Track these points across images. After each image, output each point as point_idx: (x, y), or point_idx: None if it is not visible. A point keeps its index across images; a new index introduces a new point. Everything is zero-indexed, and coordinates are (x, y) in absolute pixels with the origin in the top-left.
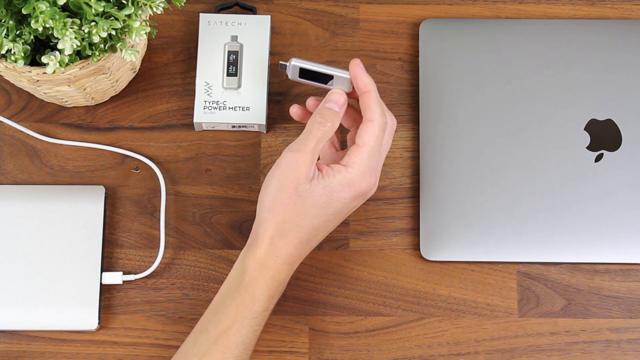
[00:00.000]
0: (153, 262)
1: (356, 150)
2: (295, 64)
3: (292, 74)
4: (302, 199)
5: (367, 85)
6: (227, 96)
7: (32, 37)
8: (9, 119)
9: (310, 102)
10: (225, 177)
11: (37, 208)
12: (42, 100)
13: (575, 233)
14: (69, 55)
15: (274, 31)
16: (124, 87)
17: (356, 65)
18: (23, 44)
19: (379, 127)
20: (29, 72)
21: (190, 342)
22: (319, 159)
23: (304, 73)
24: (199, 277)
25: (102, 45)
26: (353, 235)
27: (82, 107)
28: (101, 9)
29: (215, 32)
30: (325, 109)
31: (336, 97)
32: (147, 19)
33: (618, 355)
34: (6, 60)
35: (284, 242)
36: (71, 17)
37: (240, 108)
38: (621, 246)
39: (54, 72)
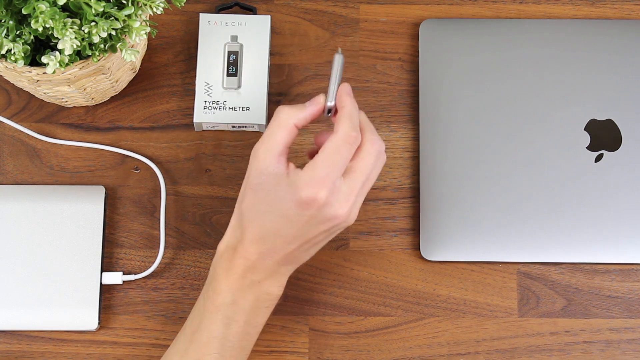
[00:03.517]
0: (153, 262)
1: (315, 156)
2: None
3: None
4: (252, 191)
5: (342, 102)
6: (227, 96)
7: (32, 37)
8: (9, 119)
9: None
10: (225, 177)
11: (37, 208)
12: (42, 100)
13: (575, 233)
14: (69, 55)
15: (274, 31)
16: (124, 87)
17: (342, 87)
18: (23, 44)
19: (339, 138)
20: (29, 72)
21: (173, 343)
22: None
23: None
24: (199, 277)
25: (102, 45)
26: (353, 235)
27: (82, 107)
28: (101, 9)
29: (215, 32)
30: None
31: (315, 97)
32: (147, 19)
33: (618, 355)
34: (6, 60)
35: (242, 235)
36: (71, 17)
37: (240, 108)
38: (621, 246)
39: (54, 72)
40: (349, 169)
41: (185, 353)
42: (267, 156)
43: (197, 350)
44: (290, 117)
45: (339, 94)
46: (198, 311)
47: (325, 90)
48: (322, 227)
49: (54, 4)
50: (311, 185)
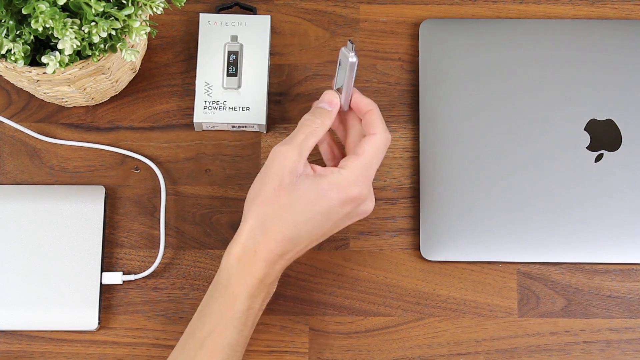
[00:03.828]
0: (153, 262)
1: (354, 157)
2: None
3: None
4: (286, 191)
5: (367, 104)
6: (227, 96)
7: (32, 37)
8: (9, 119)
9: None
10: (225, 177)
11: (37, 208)
12: (42, 100)
13: (575, 233)
14: (69, 55)
15: (274, 31)
16: (124, 87)
17: (353, 91)
18: (23, 44)
19: (380, 141)
20: (29, 72)
21: (180, 347)
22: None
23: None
24: (199, 277)
25: (102, 45)
26: (353, 235)
27: (82, 107)
28: (101, 9)
29: (215, 32)
30: (316, 107)
31: (328, 97)
32: (147, 19)
33: (618, 355)
34: (6, 60)
35: (265, 237)
36: (71, 17)
37: (240, 108)
38: (621, 246)
39: (54, 72)
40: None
41: (195, 357)
42: (298, 157)
43: (208, 356)
44: (324, 126)
45: (355, 99)
46: (210, 316)
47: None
48: (350, 221)
49: (54, 4)
50: (358, 184)
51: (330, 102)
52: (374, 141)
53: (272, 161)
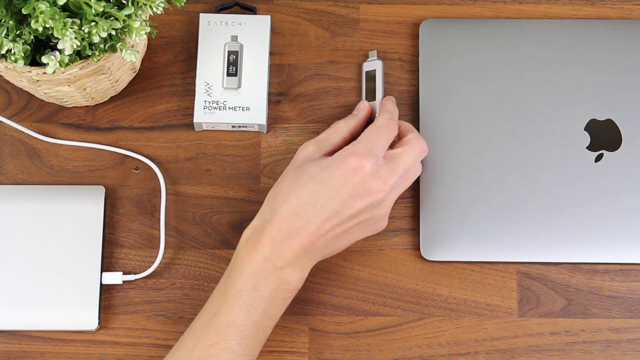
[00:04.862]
0: (153, 262)
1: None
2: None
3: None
4: (294, 170)
5: (384, 104)
6: (227, 96)
7: (32, 37)
8: (9, 119)
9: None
10: (225, 177)
11: (37, 208)
12: (42, 100)
13: (575, 233)
14: (69, 55)
15: (274, 31)
16: (124, 87)
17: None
18: (23, 44)
19: (380, 122)
20: (29, 72)
21: (189, 328)
22: None
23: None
24: (199, 277)
25: (102, 45)
26: None
27: (82, 107)
28: (101, 9)
29: (215, 32)
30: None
31: (358, 105)
32: (147, 19)
33: (618, 355)
34: (6, 60)
35: (271, 214)
36: (71, 17)
37: (240, 108)
38: (621, 246)
39: (54, 72)
40: (392, 156)
41: (202, 337)
42: (315, 149)
43: (215, 335)
44: (347, 125)
45: (382, 100)
46: (217, 297)
47: (327, 87)
48: (361, 202)
49: (54, 4)
50: (357, 154)
51: (357, 108)
52: (373, 124)
53: (296, 154)
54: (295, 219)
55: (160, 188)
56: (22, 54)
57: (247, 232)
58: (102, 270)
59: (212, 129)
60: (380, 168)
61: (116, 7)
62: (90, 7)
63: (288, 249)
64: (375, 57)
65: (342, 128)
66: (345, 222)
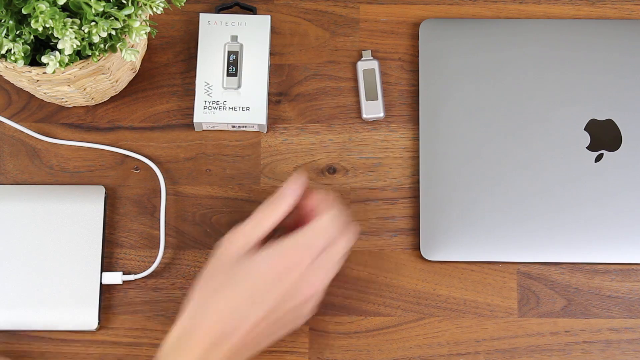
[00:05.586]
0: (153, 262)
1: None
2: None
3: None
4: (223, 270)
5: (312, 203)
6: (227, 96)
7: (32, 37)
8: (9, 119)
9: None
10: (225, 177)
11: (37, 208)
12: (42, 100)
13: (575, 233)
14: (69, 55)
15: (274, 31)
16: (124, 87)
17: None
18: (23, 44)
19: (327, 218)
20: (29, 72)
21: None
22: None
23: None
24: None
25: (102, 45)
26: None
27: (82, 107)
28: (101, 9)
29: (215, 32)
30: (278, 193)
31: (289, 183)
32: (147, 19)
33: (618, 355)
34: (6, 60)
35: (202, 318)
36: (71, 17)
37: (240, 108)
38: (621, 246)
39: (54, 72)
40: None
41: None
42: (244, 247)
43: None
44: (277, 211)
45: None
46: None
47: (327, 87)
48: (295, 309)
49: (54, 4)
50: (297, 249)
51: (289, 188)
52: (319, 218)
53: (220, 247)
54: (228, 322)
55: (160, 188)
56: (22, 54)
57: (175, 334)
58: (102, 270)
59: (212, 129)
60: (319, 262)
61: (116, 7)
62: (90, 7)
63: (218, 353)
64: (370, 57)
65: (274, 216)
66: (279, 321)
